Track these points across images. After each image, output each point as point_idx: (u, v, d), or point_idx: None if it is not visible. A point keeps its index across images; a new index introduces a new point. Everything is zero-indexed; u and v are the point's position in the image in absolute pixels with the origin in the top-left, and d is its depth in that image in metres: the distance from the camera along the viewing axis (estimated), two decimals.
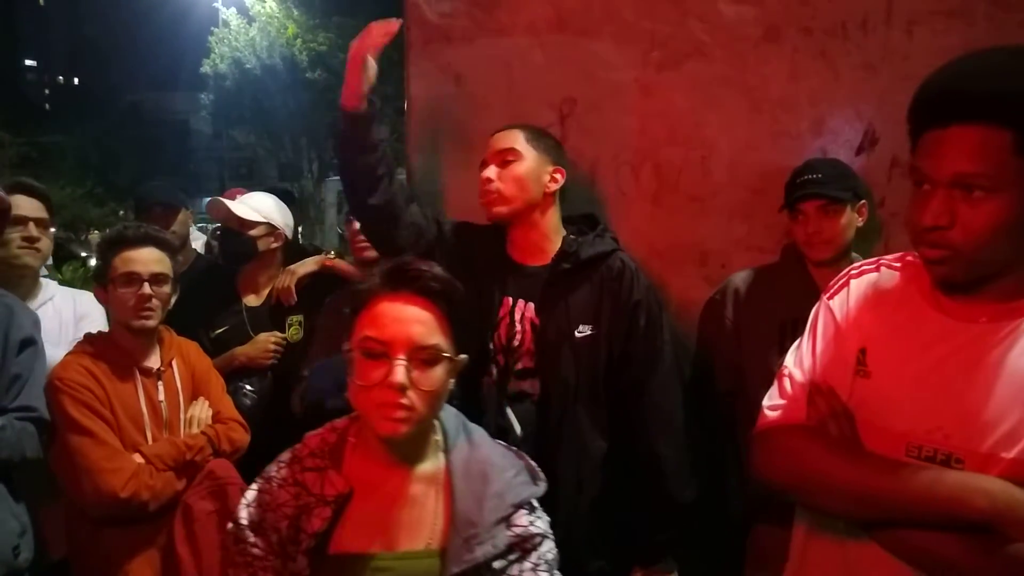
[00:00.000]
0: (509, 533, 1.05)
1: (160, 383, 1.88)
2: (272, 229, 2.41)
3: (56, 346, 1.90)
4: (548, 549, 1.08)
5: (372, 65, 1.61)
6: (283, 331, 2.36)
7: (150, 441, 1.81)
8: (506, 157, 1.68)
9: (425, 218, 1.76)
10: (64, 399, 1.72)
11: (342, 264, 2.47)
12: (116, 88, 30.44)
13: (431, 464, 1.11)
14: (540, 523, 1.09)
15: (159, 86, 33.75)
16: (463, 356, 1.09)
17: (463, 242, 1.74)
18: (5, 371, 1.70)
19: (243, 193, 2.71)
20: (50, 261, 2.54)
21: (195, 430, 1.87)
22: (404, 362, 1.01)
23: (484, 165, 1.72)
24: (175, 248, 2.21)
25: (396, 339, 1.02)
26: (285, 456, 1.12)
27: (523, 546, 1.05)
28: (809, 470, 1.06)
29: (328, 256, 2.61)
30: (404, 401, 1.00)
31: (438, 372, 1.04)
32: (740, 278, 1.97)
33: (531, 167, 1.68)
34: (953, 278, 1.01)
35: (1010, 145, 0.91)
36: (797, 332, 1.74)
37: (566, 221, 1.78)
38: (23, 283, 2.09)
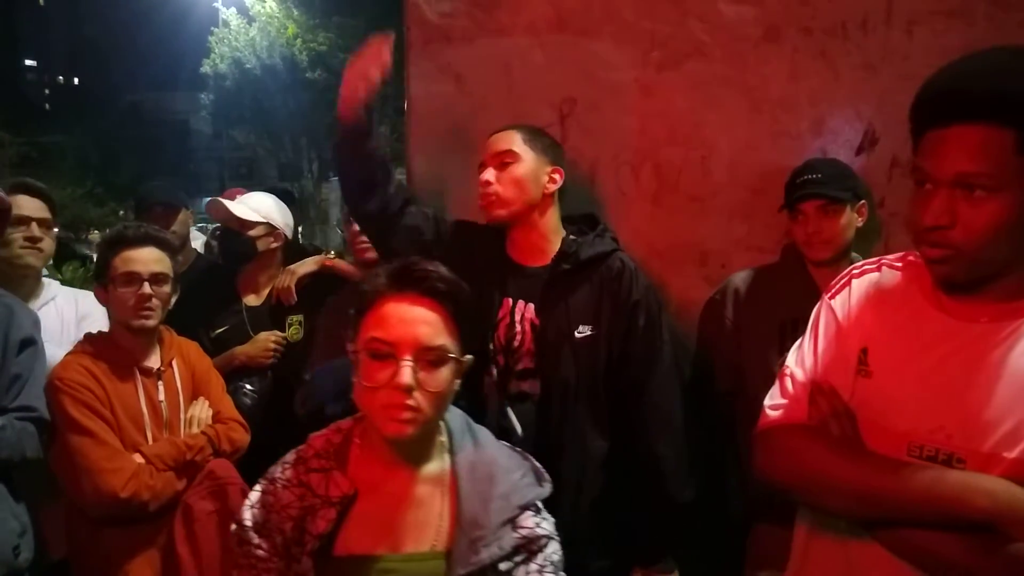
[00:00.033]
0: (515, 535, 1.04)
1: (160, 383, 1.88)
2: (271, 229, 2.41)
3: (58, 346, 1.90)
4: (554, 551, 1.08)
5: (376, 81, 1.60)
6: (283, 331, 2.36)
7: (150, 441, 1.81)
8: (504, 159, 1.68)
9: (425, 217, 1.77)
10: (64, 399, 1.72)
11: (342, 264, 2.48)
12: (116, 88, 30.44)
13: (436, 465, 1.10)
14: (546, 524, 1.09)
15: (159, 86, 33.75)
16: (469, 357, 1.09)
17: (463, 242, 1.74)
18: (5, 371, 1.70)
19: (243, 193, 2.71)
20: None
21: (195, 430, 1.87)
22: (411, 363, 1.00)
23: (482, 167, 1.71)
24: (175, 248, 2.21)
25: (403, 340, 1.01)
26: (289, 457, 1.12)
27: (529, 548, 1.05)
28: (811, 470, 1.06)
29: (328, 256, 2.61)
30: (410, 402, 1.00)
31: (444, 373, 1.04)
32: (740, 278, 1.97)
33: (529, 168, 1.68)
34: (954, 278, 1.01)
35: (1012, 145, 0.92)
36: (797, 332, 1.75)
37: (566, 221, 1.78)
38: (25, 283, 2.09)
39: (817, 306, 1.19)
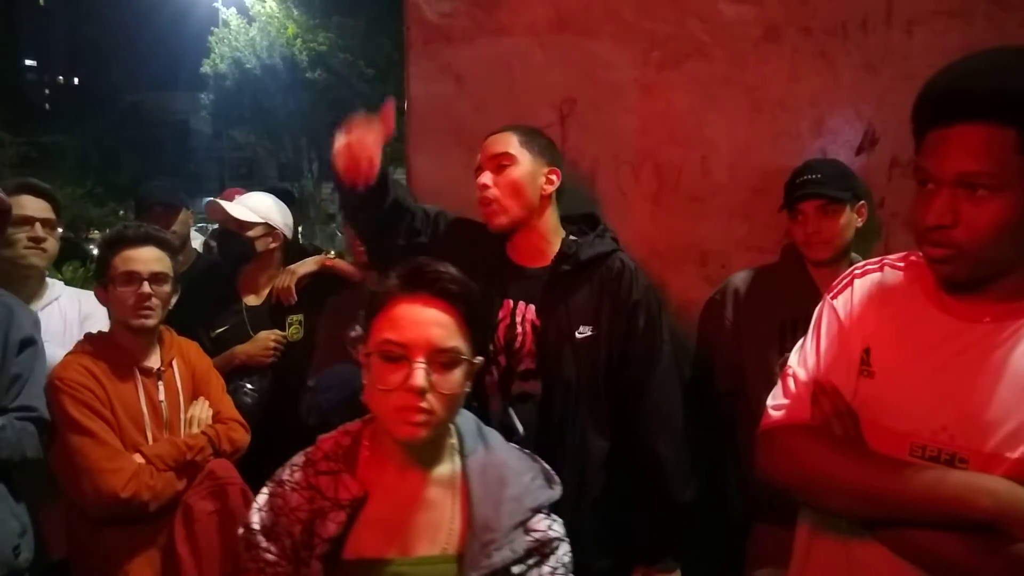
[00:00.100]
0: (528, 538, 1.04)
1: (160, 383, 1.88)
2: (270, 229, 2.41)
3: (60, 346, 1.90)
4: (565, 553, 1.07)
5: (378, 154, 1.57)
6: (283, 330, 2.36)
7: (150, 441, 1.81)
8: (501, 162, 1.68)
9: (425, 218, 1.77)
10: (64, 399, 1.72)
11: (342, 264, 2.48)
12: (116, 88, 30.40)
13: (447, 468, 1.10)
14: (557, 527, 1.08)
15: (159, 86, 33.74)
16: (480, 358, 1.08)
17: (462, 242, 1.74)
18: (5, 371, 1.70)
19: (241, 193, 2.71)
20: None
21: (195, 430, 1.87)
22: (424, 365, 1.00)
23: (479, 170, 1.71)
24: (175, 248, 2.22)
25: (415, 342, 1.01)
26: (298, 459, 1.11)
27: (542, 551, 1.04)
28: (813, 470, 1.06)
29: (328, 256, 2.61)
30: (424, 405, 0.99)
31: (457, 375, 1.03)
32: (740, 278, 1.97)
33: (526, 170, 1.68)
34: (957, 277, 1.01)
35: (1014, 144, 0.92)
36: (797, 332, 1.76)
37: (566, 220, 1.78)
38: (29, 283, 2.10)
39: (819, 306, 1.19)
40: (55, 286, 2.20)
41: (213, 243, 3.73)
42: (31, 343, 1.77)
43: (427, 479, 1.08)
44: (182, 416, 1.88)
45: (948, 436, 0.99)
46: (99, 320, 2.03)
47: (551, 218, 1.74)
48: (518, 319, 1.68)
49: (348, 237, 2.42)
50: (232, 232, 2.39)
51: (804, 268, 1.89)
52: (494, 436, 1.15)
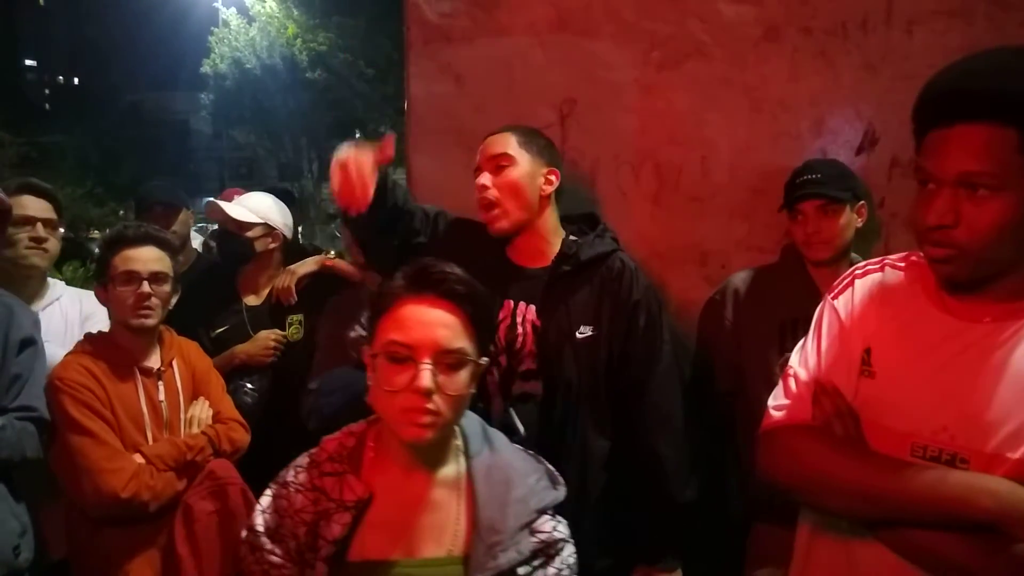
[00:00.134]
0: (533, 539, 1.04)
1: (160, 383, 1.88)
2: (270, 230, 2.41)
3: (62, 346, 1.90)
4: (570, 554, 1.07)
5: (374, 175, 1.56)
6: (283, 330, 2.36)
7: (150, 441, 1.81)
8: (500, 162, 1.67)
9: (424, 219, 1.76)
10: (64, 399, 1.72)
11: (342, 264, 2.48)
12: (116, 88, 30.39)
13: (452, 469, 1.09)
14: (562, 528, 1.08)
15: (159, 86, 33.75)
16: (485, 359, 1.08)
17: (462, 243, 1.73)
18: (5, 371, 1.70)
19: (241, 193, 2.71)
20: None
21: (195, 430, 1.87)
22: (430, 366, 0.99)
23: (478, 171, 1.71)
24: (175, 248, 2.22)
25: (422, 343, 1.00)
26: (302, 461, 1.10)
27: (547, 552, 1.04)
28: (814, 470, 1.06)
29: (328, 256, 2.61)
30: (430, 406, 0.99)
31: (463, 376, 1.03)
32: (740, 278, 1.97)
33: (525, 171, 1.68)
34: (958, 277, 1.01)
35: (1014, 144, 0.92)
36: (797, 332, 1.76)
37: (566, 220, 1.78)
38: (30, 283, 2.10)
39: (820, 306, 1.19)
40: (56, 286, 2.20)
41: (212, 243, 3.73)
42: (31, 343, 1.77)
43: (432, 480, 1.07)
44: (182, 416, 1.88)
45: (949, 436, 0.99)
46: (100, 320, 2.03)
47: (551, 218, 1.74)
48: (518, 319, 1.68)
49: (347, 237, 2.42)
50: (231, 232, 2.39)
51: (804, 268, 1.89)
52: (499, 437, 1.15)
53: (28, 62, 40.20)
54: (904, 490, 0.97)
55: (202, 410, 1.91)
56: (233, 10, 16.69)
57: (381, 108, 14.59)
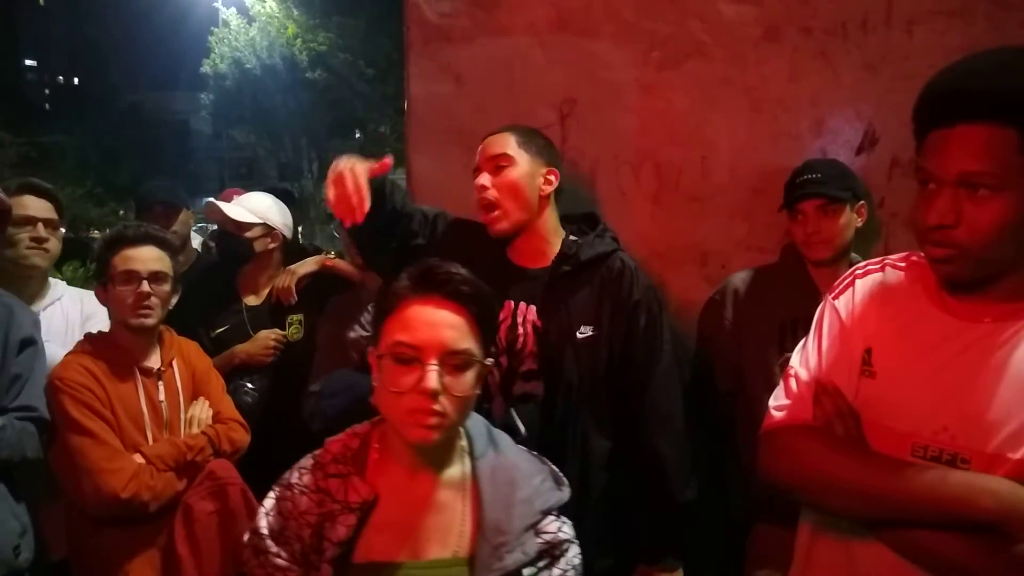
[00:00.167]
0: (538, 540, 1.03)
1: (160, 383, 1.88)
2: (269, 230, 2.41)
3: (62, 346, 1.90)
4: (575, 555, 1.07)
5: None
6: (283, 330, 2.36)
7: (150, 441, 1.80)
8: (499, 163, 1.67)
9: (422, 221, 1.76)
10: (64, 399, 1.72)
11: (342, 264, 2.48)
12: (116, 88, 30.39)
13: (457, 470, 1.09)
14: (567, 528, 1.08)
15: (159, 86, 33.75)
16: (490, 360, 1.08)
17: (462, 244, 1.73)
18: (5, 371, 1.70)
19: (240, 194, 2.71)
20: None
21: (195, 430, 1.87)
22: (436, 367, 0.99)
23: (477, 171, 1.71)
24: (175, 248, 2.21)
25: (428, 344, 1.00)
26: (306, 462, 1.10)
27: (552, 553, 1.04)
28: (815, 470, 1.06)
29: (328, 256, 2.61)
30: (437, 407, 0.98)
31: (469, 377, 1.03)
32: (739, 278, 1.97)
33: (525, 171, 1.67)
34: (959, 277, 1.01)
35: (1015, 144, 0.92)
36: (796, 332, 1.76)
37: (566, 220, 1.78)
38: (31, 283, 2.10)
39: (821, 306, 1.19)
40: (57, 286, 2.20)
41: (212, 244, 3.74)
42: (31, 343, 1.77)
43: (437, 482, 1.07)
44: (182, 416, 1.88)
45: (949, 436, 0.99)
46: (101, 320, 2.03)
47: (550, 218, 1.74)
48: (519, 320, 1.68)
49: (346, 239, 2.42)
50: (231, 233, 2.39)
51: (804, 268, 1.89)
52: (503, 438, 1.14)
53: (28, 62, 40.19)
54: (905, 490, 0.97)
55: (202, 410, 1.91)
56: (233, 10, 16.69)
57: (381, 108, 14.60)
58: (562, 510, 1.11)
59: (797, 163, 1.90)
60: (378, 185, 1.58)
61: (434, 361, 0.99)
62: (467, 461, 1.10)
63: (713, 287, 2.03)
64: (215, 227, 3.38)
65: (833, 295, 1.17)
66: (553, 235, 1.74)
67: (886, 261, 1.15)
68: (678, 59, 2.10)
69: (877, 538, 1.02)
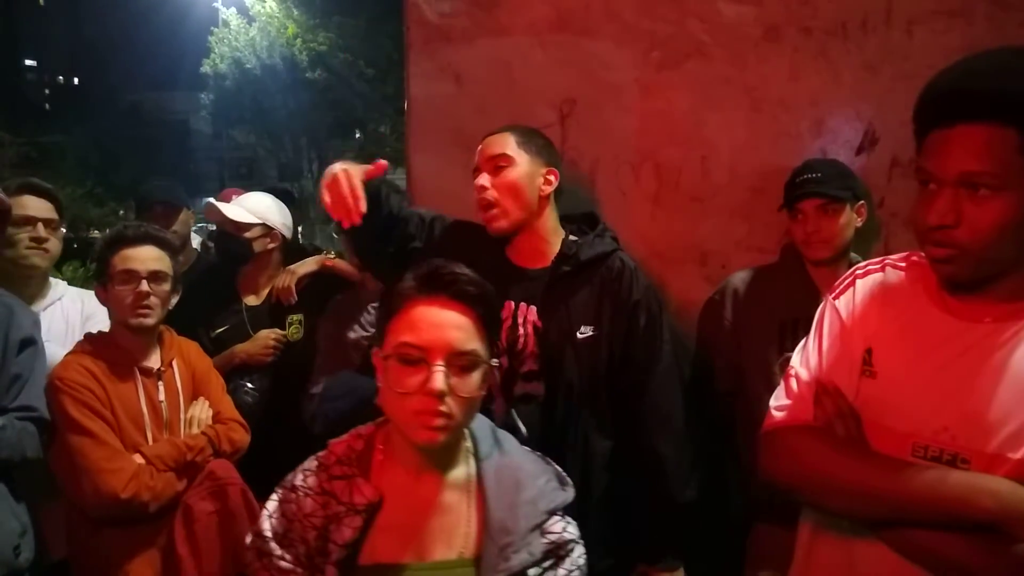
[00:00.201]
0: (544, 540, 1.03)
1: (160, 383, 1.87)
2: (268, 230, 2.41)
3: (62, 346, 1.90)
4: (580, 555, 1.07)
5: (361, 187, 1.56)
6: (283, 330, 2.36)
7: (150, 441, 1.80)
8: (498, 163, 1.67)
9: (420, 224, 1.76)
10: (64, 399, 1.72)
11: (342, 264, 2.48)
12: (116, 88, 30.42)
13: (462, 471, 1.09)
14: (572, 528, 1.08)
15: (159, 86, 33.76)
16: (495, 361, 1.08)
17: (461, 245, 1.73)
18: (5, 371, 1.70)
19: (239, 194, 2.71)
20: None
21: (195, 430, 1.87)
22: (443, 368, 0.98)
23: (476, 172, 1.71)
24: (175, 247, 2.21)
25: (434, 344, 0.99)
26: (310, 464, 1.09)
27: (557, 553, 1.04)
28: (815, 470, 1.06)
29: (328, 256, 2.61)
30: (443, 408, 0.98)
31: (475, 378, 1.02)
32: (739, 278, 1.97)
33: (524, 172, 1.67)
34: (959, 277, 1.01)
35: (1015, 144, 0.92)
36: (796, 332, 1.76)
37: (566, 220, 1.78)
38: (31, 283, 2.10)
39: (821, 306, 1.19)
40: (58, 286, 2.20)
41: (210, 244, 3.73)
42: (31, 343, 1.77)
43: (442, 483, 1.07)
44: (182, 416, 1.88)
45: (950, 436, 0.99)
46: (101, 320, 2.04)
47: (550, 219, 1.74)
48: (520, 320, 1.68)
49: (345, 241, 2.42)
50: (229, 233, 2.39)
51: (803, 268, 1.89)
52: (508, 439, 1.14)
53: (28, 62, 40.20)
54: (905, 490, 0.97)
55: (202, 410, 1.91)
56: (233, 10, 16.69)
57: (381, 108, 14.60)
58: (565, 510, 1.11)
59: (797, 163, 1.90)
60: (373, 189, 1.58)
61: (440, 362, 0.99)
62: (472, 462, 1.10)
63: (713, 287, 2.03)
64: (214, 227, 3.38)
65: (834, 295, 1.17)
66: (553, 235, 1.74)
67: (887, 261, 1.15)
68: (678, 59, 2.10)
69: (878, 538, 1.02)
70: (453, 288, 1.03)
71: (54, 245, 2.11)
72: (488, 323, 1.06)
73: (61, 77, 41.96)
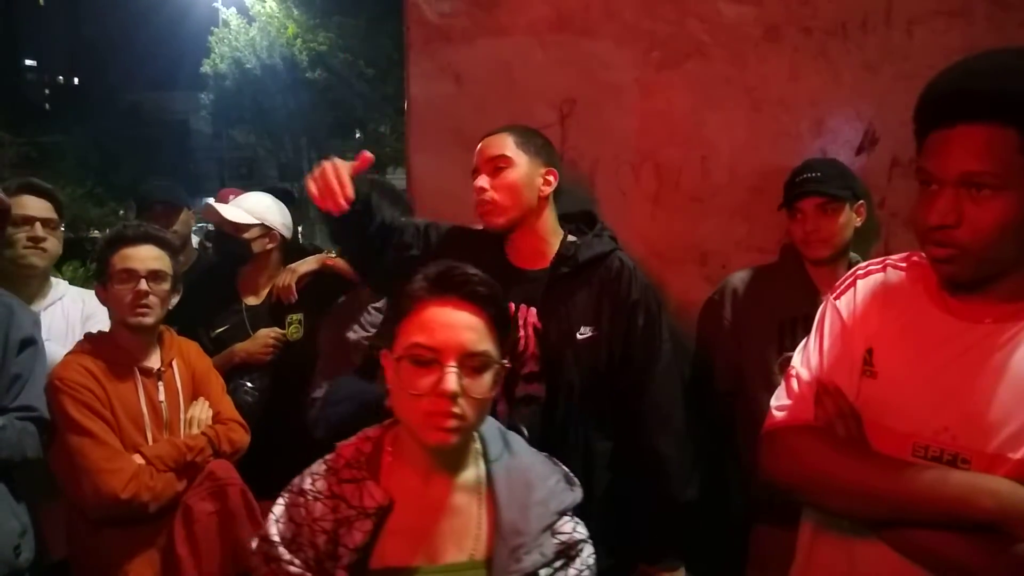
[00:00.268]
0: (555, 541, 1.03)
1: (160, 383, 1.87)
2: (267, 230, 2.40)
3: (63, 346, 1.90)
4: (589, 555, 1.07)
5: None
6: (283, 329, 2.36)
7: (150, 442, 1.80)
8: (497, 164, 1.66)
9: (415, 232, 1.75)
10: (64, 399, 1.72)
11: (343, 263, 2.47)
12: (116, 88, 30.39)
13: (472, 473, 1.08)
14: (581, 528, 1.08)
15: (159, 86, 33.74)
16: (505, 362, 1.07)
17: (460, 249, 1.73)
18: (5, 371, 1.70)
19: (236, 194, 2.71)
20: None
21: (195, 431, 1.87)
22: (455, 369, 0.98)
23: (475, 173, 1.71)
24: (175, 247, 2.21)
25: (447, 345, 0.99)
26: (318, 468, 1.08)
27: (568, 553, 1.04)
28: (815, 470, 1.06)
29: (329, 255, 2.61)
30: (456, 410, 0.97)
31: (487, 379, 1.02)
32: (738, 278, 1.97)
33: (523, 172, 1.67)
34: (960, 277, 1.01)
35: (1016, 144, 0.92)
36: (796, 331, 1.77)
37: (564, 219, 1.78)
38: (31, 283, 2.10)
39: (822, 306, 1.19)
40: (59, 286, 2.21)
41: (208, 244, 3.73)
42: (31, 343, 1.77)
43: (452, 485, 1.06)
44: (182, 416, 1.88)
45: (950, 436, 0.99)
46: (101, 320, 2.03)
47: (549, 219, 1.74)
48: (520, 322, 1.68)
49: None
50: (228, 234, 2.39)
51: (803, 267, 1.89)
52: (517, 440, 1.14)
53: (28, 62, 40.18)
54: (905, 490, 0.97)
55: (202, 410, 1.91)
56: (233, 10, 16.70)
57: (381, 108, 14.60)
58: (573, 511, 1.11)
59: (797, 163, 1.90)
60: (364, 196, 1.60)
61: (453, 363, 0.98)
62: (481, 464, 1.09)
63: (713, 287, 2.03)
64: (212, 227, 3.37)
65: (835, 295, 1.17)
66: (552, 235, 1.74)
67: (887, 261, 1.15)
68: (678, 59, 2.10)
69: (878, 538, 1.02)
70: (465, 289, 1.03)
71: (52, 244, 2.11)
72: (499, 324, 1.05)
73: (61, 77, 41.95)
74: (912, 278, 1.11)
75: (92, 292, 2.00)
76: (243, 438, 1.92)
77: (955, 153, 0.96)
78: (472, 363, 1.00)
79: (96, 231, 16.98)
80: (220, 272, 2.49)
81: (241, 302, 2.41)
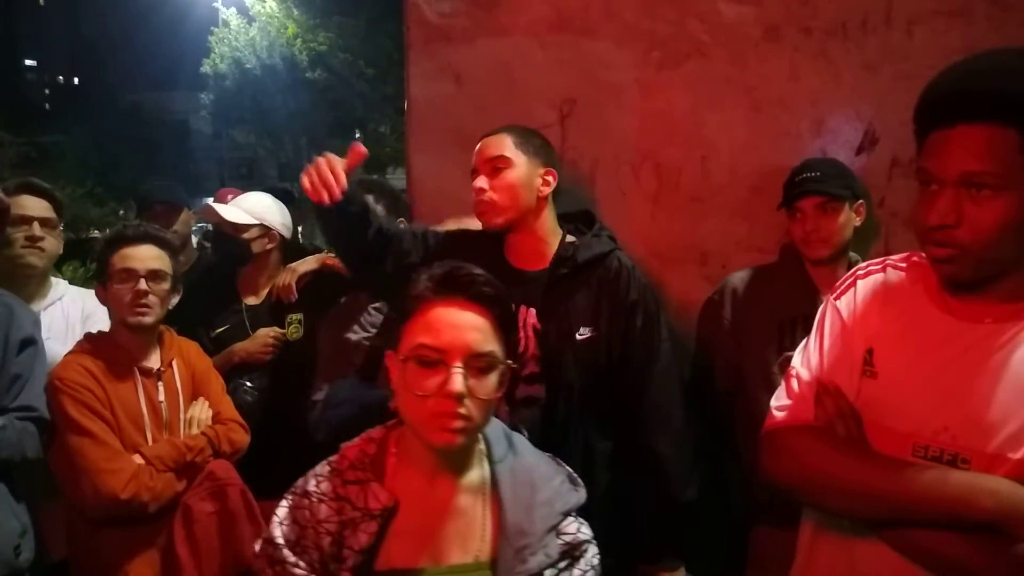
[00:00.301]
0: (559, 541, 1.03)
1: (160, 383, 1.87)
2: (266, 230, 2.40)
3: (63, 346, 1.90)
4: (594, 555, 1.07)
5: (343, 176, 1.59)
6: (283, 329, 2.36)
7: (150, 442, 1.80)
8: (496, 164, 1.66)
9: (413, 238, 1.75)
10: (64, 399, 1.72)
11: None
12: (116, 88, 30.38)
13: (477, 474, 1.08)
14: (586, 529, 1.08)
15: (159, 86, 33.72)
16: (511, 362, 1.06)
17: (459, 251, 1.73)
18: (5, 371, 1.70)
19: (235, 194, 2.71)
20: None
21: (195, 431, 1.87)
22: (461, 370, 0.98)
23: (474, 173, 1.71)
24: (175, 247, 2.21)
25: (453, 346, 0.99)
26: (322, 469, 1.08)
27: (573, 554, 1.04)
28: (816, 470, 1.06)
29: (329, 255, 2.61)
30: (462, 410, 0.97)
31: (493, 379, 1.02)
32: (738, 278, 1.97)
33: (523, 173, 1.67)
34: (960, 277, 1.01)
35: (1016, 144, 0.92)
36: (795, 331, 1.77)
37: (563, 219, 1.78)
38: (30, 283, 2.10)
39: (822, 306, 1.19)
40: (59, 285, 2.21)
41: (206, 244, 3.73)
42: (31, 343, 1.77)
43: (457, 486, 1.06)
44: (182, 417, 1.88)
45: (950, 436, 0.99)
46: (101, 320, 2.03)
47: (548, 219, 1.73)
48: (520, 323, 1.68)
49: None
50: (227, 234, 2.39)
51: (802, 267, 1.89)
52: (521, 441, 1.14)
53: (28, 62, 40.17)
54: (905, 490, 0.97)
55: (202, 411, 1.91)
56: (233, 10, 16.69)
57: (381, 108, 14.59)
58: (577, 511, 1.11)
59: (797, 163, 1.90)
60: (360, 201, 1.61)
61: (459, 364, 0.98)
62: (485, 465, 1.09)
63: (713, 287, 2.03)
64: (211, 227, 3.37)
65: (835, 295, 1.17)
66: (551, 235, 1.74)
67: (887, 261, 1.15)
68: (678, 59, 2.11)
69: (878, 538, 1.02)
70: (471, 289, 1.03)
71: (50, 244, 2.11)
72: (504, 324, 1.05)
73: (61, 77, 41.94)
74: (912, 278, 1.11)
75: (92, 292, 2.00)
76: (243, 438, 1.92)
77: (955, 153, 0.96)
78: (478, 364, 1.00)
79: (96, 231, 16.97)
80: (220, 272, 2.49)
81: (241, 302, 2.41)
